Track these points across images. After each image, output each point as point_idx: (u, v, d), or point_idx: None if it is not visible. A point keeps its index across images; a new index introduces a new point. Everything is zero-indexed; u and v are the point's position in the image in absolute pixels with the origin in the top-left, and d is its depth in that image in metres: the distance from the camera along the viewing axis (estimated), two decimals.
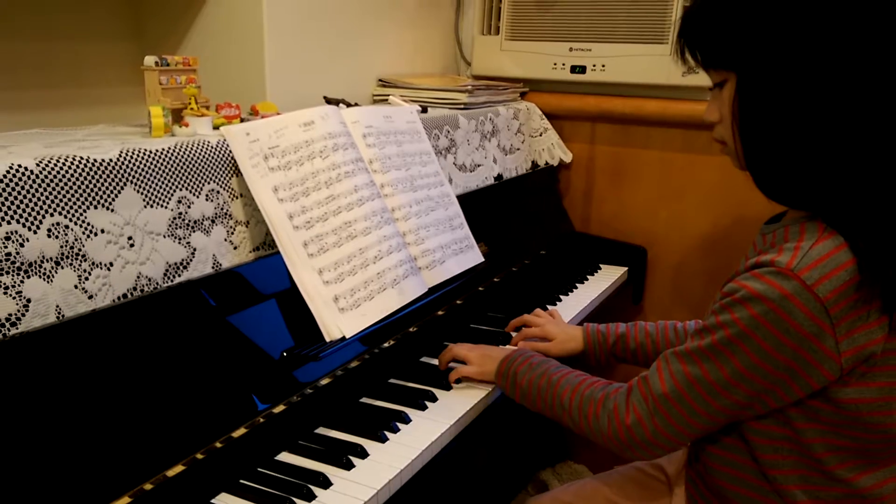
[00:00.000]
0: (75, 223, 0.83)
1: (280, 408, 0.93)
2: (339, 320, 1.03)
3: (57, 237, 0.81)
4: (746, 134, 0.84)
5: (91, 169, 0.85)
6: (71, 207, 0.83)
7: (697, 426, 0.86)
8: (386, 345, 1.13)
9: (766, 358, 0.79)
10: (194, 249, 0.97)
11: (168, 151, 0.95)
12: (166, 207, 0.94)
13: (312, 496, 0.84)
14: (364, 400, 1.07)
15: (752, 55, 0.81)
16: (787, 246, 0.81)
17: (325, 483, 0.86)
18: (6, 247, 0.76)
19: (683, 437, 0.88)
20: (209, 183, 1.00)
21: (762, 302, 0.78)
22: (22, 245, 0.78)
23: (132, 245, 0.89)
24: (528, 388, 1.02)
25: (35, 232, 0.79)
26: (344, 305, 1.05)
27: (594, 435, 0.93)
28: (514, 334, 1.31)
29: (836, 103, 0.78)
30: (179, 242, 0.96)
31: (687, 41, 0.89)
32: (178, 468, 0.80)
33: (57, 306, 0.81)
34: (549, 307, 1.42)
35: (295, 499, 0.83)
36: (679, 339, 1.18)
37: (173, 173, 0.95)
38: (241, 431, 0.88)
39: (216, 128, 1.07)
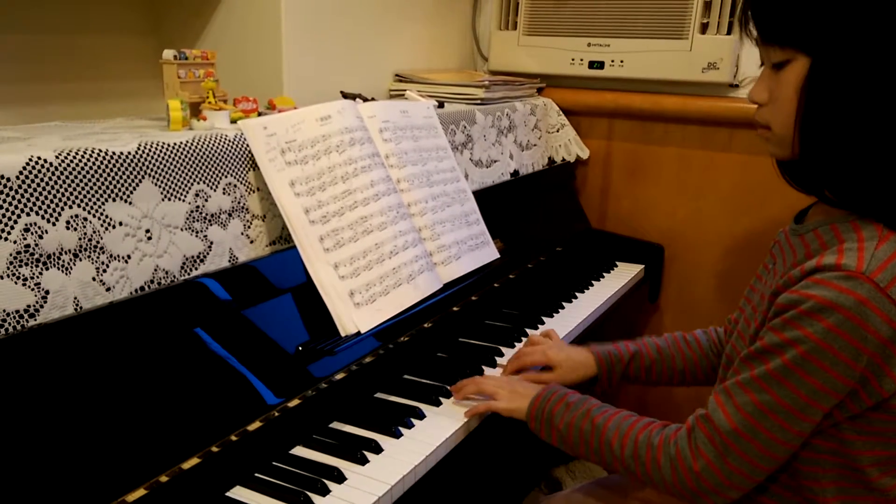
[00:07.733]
0: (94, 216, 0.84)
1: (295, 402, 0.93)
2: (354, 315, 1.03)
3: (75, 229, 0.82)
4: (811, 123, 0.77)
5: (110, 162, 0.86)
6: (89, 200, 0.83)
7: (774, 458, 0.78)
8: (401, 340, 1.13)
9: (844, 370, 0.73)
10: (211, 243, 0.98)
11: (186, 145, 0.95)
12: (184, 201, 0.94)
13: (327, 490, 0.84)
14: (378, 395, 1.07)
15: (835, 38, 0.74)
16: (848, 247, 0.75)
17: (340, 478, 0.86)
18: (25, 238, 0.77)
19: (758, 474, 0.79)
20: (226, 177, 1.01)
21: (836, 311, 0.72)
22: (41, 237, 0.78)
23: (150, 238, 0.90)
24: (567, 432, 0.92)
25: (54, 224, 0.80)
26: (359, 300, 1.05)
27: (655, 484, 0.85)
28: (518, 345, 1.21)
29: None
30: (196, 236, 0.96)
31: (754, 11, 0.80)
32: (194, 461, 0.80)
33: (75, 298, 0.81)
34: (543, 327, 1.33)
35: (309, 493, 0.83)
36: (692, 349, 1.11)
37: (191, 167, 0.96)
38: (256, 425, 0.88)
39: (234, 122, 1.07)
